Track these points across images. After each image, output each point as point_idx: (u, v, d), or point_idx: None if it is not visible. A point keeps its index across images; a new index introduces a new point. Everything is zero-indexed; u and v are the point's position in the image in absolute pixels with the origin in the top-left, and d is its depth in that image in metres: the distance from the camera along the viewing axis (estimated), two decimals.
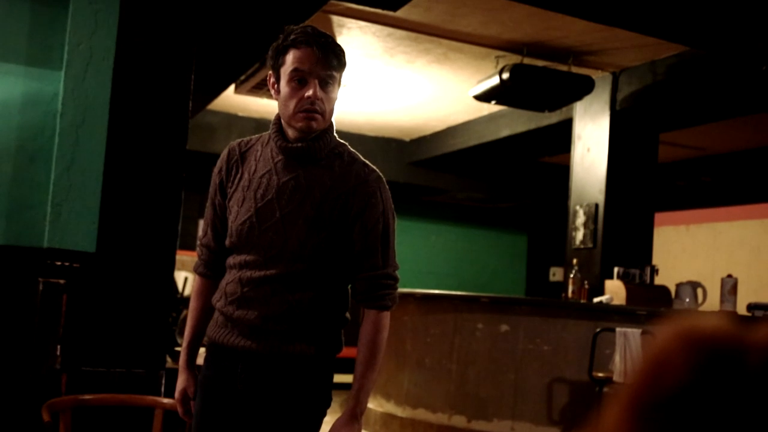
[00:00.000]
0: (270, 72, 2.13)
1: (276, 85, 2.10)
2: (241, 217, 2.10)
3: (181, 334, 3.67)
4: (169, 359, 3.61)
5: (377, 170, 2.15)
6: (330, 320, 2.12)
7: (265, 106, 7.99)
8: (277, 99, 2.10)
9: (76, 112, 3.31)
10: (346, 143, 2.17)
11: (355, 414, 2.07)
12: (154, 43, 3.47)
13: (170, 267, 3.46)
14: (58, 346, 3.22)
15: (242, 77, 6.21)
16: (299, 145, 2.07)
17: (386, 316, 2.12)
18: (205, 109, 7.64)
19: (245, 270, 2.09)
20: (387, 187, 2.15)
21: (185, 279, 5.61)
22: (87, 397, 2.76)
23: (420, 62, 6.49)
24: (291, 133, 2.10)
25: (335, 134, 2.15)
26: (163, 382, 3.36)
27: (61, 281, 3.23)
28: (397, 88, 7.32)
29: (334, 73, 2.06)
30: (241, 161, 2.17)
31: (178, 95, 3.49)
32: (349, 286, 2.18)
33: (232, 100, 7.87)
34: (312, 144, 2.08)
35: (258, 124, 8.63)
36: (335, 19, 5.46)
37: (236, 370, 2.08)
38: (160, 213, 3.43)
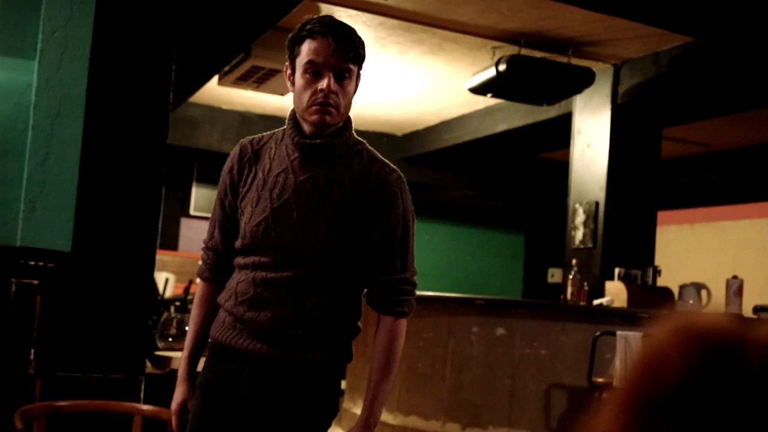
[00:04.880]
0: (287, 63, 2.09)
1: (291, 77, 2.08)
2: (256, 218, 2.06)
3: (162, 337, 3.64)
4: (148, 364, 3.61)
5: (398, 170, 2.12)
6: (343, 328, 2.10)
7: (250, 99, 8.03)
8: (292, 91, 2.08)
9: (50, 103, 3.26)
10: (364, 141, 2.15)
11: (368, 425, 2.05)
12: (133, 32, 3.42)
13: (150, 267, 3.42)
14: (32, 350, 3.17)
15: (226, 68, 6.27)
16: (318, 141, 2.04)
17: (403, 323, 2.10)
18: (187, 101, 7.69)
19: (259, 271, 2.05)
20: (408, 188, 2.13)
21: (166, 280, 5.59)
22: (62, 403, 2.73)
23: (413, 53, 6.49)
24: (307, 128, 2.06)
25: (353, 131, 2.13)
26: (143, 387, 3.32)
27: (35, 282, 3.18)
28: (389, 80, 7.32)
29: (351, 66, 2.02)
30: (254, 159, 2.13)
31: (158, 86, 3.45)
32: (364, 291, 2.16)
33: (215, 92, 7.92)
34: (332, 140, 2.05)
35: (242, 117, 8.73)
36: (323, 7, 5.45)
37: (243, 374, 2.04)
38: (139, 210, 3.38)
